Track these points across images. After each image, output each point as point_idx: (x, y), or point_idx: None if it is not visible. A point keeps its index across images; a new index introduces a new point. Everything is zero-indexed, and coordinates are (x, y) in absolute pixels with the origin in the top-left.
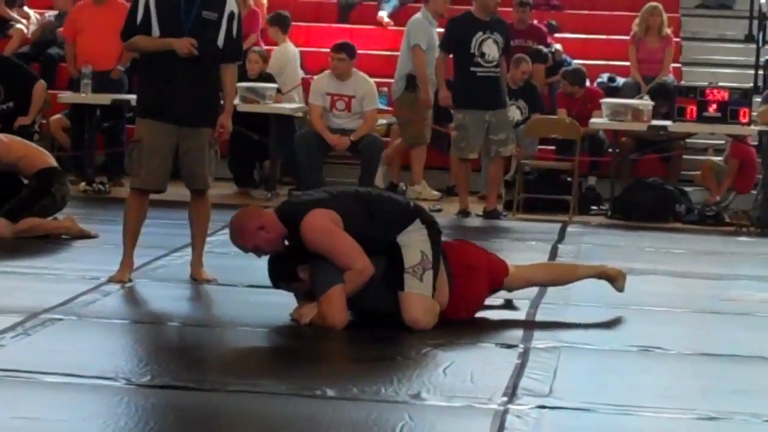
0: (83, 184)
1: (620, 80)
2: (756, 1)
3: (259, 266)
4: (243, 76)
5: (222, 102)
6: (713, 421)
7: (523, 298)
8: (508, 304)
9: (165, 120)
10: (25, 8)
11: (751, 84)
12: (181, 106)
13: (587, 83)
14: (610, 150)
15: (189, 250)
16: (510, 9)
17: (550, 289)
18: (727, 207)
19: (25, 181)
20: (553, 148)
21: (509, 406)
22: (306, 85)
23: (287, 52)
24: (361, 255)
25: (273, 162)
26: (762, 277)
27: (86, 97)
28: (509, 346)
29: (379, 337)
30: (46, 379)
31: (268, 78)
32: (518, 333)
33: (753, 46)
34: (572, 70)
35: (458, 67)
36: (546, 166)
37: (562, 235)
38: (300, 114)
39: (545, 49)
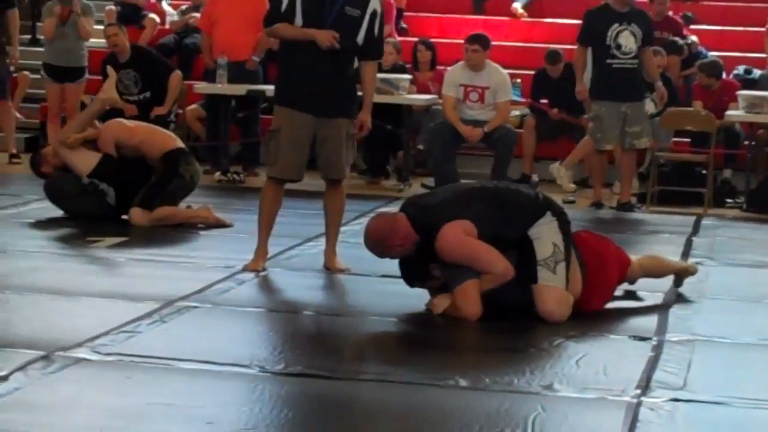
0: (218, 173)
1: (757, 72)
2: None
3: None
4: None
5: (360, 96)
6: None
7: (656, 290)
8: (636, 296)
9: (303, 110)
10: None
11: None
12: (319, 97)
13: (723, 75)
14: (745, 142)
15: (323, 239)
16: (648, 0)
17: (684, 282)
18: None
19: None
20: (688, 140)
21: (642, 398)
22: (440, 76)
23: None
24: (500, 259)
25: (406, 153)
26: None
27: (221, 87)
28: (642, 339)
29: (511, 328)
30: (181, 365)
31: (402, 69)
32: (651, 325)
33: None
34: (709, 62)
35: (595, 58)
36: (681, 159)
37: (696, 228)
38: (434, 105)
39: (680, 41)
